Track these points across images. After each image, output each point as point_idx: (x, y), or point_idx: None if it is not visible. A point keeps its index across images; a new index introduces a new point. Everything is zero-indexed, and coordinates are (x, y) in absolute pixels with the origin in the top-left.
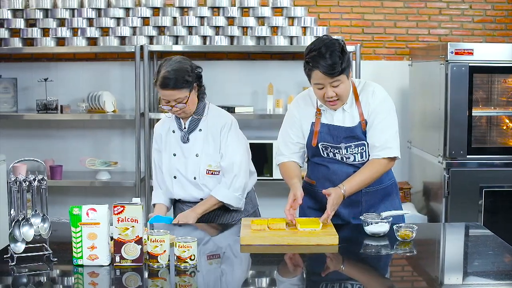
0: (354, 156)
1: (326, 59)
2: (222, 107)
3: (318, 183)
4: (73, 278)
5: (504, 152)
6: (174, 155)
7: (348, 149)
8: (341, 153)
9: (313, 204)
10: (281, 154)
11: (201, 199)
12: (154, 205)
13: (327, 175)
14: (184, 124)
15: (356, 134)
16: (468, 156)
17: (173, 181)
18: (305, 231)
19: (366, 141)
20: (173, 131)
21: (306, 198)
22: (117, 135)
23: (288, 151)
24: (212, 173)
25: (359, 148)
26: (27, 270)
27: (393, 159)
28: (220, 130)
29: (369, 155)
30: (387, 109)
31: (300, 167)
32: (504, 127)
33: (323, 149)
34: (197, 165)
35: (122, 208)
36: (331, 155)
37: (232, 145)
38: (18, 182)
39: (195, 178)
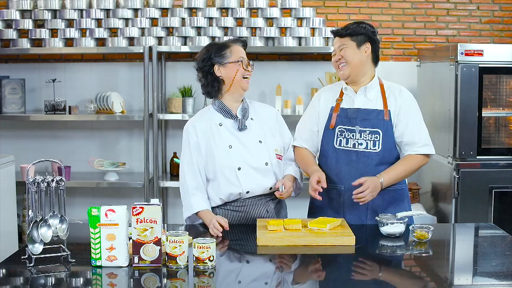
0: (367, 143)
1: (343, 27)
2: None
3: (326, 177)
4: (91, 279)
5: None
6: (230, 147)
7: (362, 133)
8: (354, 137)
9: (321, 201)
10: (296, 138)
11: (271, 188)
12: (194, 214)
13: (335, 170)
14: (235, 112)
15: (372, 118)
16: (477, 157)
17: (238, 173)
18: (322, 231)
19: (381, 130)
20: (220, 124)
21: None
22: (125, 136)
23: (304, 135)
24: (279, 158)
25: (373, 135)
26: (45, 271)
27: (427, 156)
28: (275, 117)
29: (382, 145)
30: (417, 109)
31: (314, 156)
32: None
33: (338, 134)
34: (265, 151)
35: (141, 209)
36: (344, 142)
37: (286, 126)
38: (36, 183)
39: (267, 164)
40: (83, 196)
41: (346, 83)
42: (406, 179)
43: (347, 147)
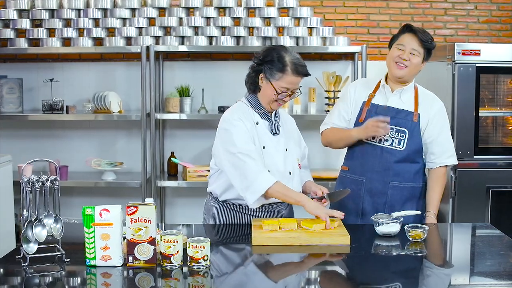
0: (392, 140)
1: (424, 32)
2: (228, 108)
3: (351, 168)
4: (86, 278)
5: (510, 153)
6: (264, 148)
7: (389, 131)
8: None
9: None
10: (324, 124)
11: None
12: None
13: (360, 161)
14: (270, 115)
15: (401, 118)
16: (475, 157)
17: None
18: (317, 230)
19: (408, 130)
20: (257, 123)
21: (339, 187)
22: (122, 136)
23: (336, 121)
24: (299, 167)
25: (399, 134)
26: (39, 270)
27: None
28: (295, 125)
29: (406, 145)
30: (447, 120)
31: None
32: (510, 128)
33: None
34: (290, 159)
35: (135, 209)
36: (371, 136)
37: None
38: (31, 183)
39: (290, 173)
40: (80, 196)
41: (386, 80)
42: (422, 178)
43: (374, 141)
